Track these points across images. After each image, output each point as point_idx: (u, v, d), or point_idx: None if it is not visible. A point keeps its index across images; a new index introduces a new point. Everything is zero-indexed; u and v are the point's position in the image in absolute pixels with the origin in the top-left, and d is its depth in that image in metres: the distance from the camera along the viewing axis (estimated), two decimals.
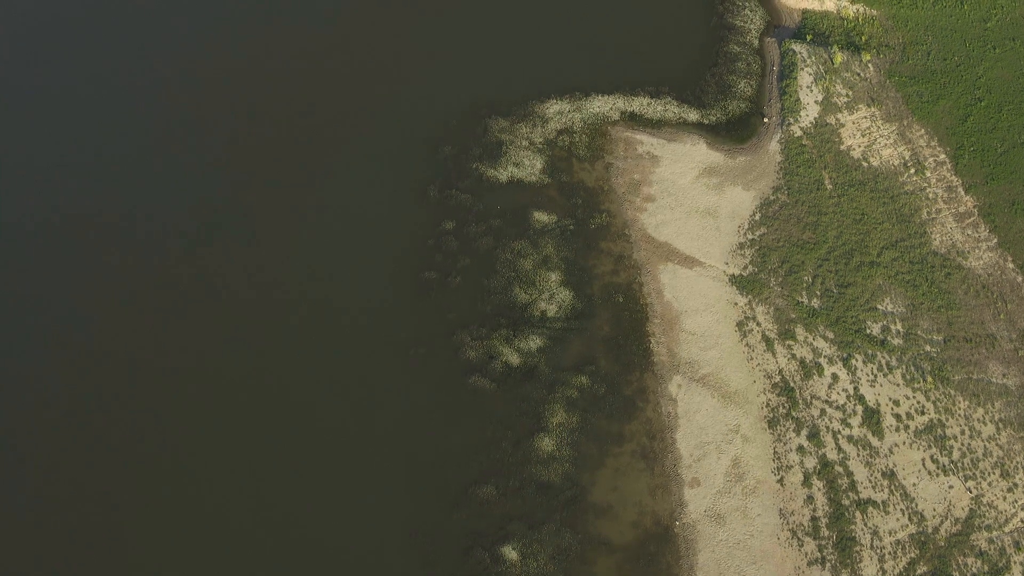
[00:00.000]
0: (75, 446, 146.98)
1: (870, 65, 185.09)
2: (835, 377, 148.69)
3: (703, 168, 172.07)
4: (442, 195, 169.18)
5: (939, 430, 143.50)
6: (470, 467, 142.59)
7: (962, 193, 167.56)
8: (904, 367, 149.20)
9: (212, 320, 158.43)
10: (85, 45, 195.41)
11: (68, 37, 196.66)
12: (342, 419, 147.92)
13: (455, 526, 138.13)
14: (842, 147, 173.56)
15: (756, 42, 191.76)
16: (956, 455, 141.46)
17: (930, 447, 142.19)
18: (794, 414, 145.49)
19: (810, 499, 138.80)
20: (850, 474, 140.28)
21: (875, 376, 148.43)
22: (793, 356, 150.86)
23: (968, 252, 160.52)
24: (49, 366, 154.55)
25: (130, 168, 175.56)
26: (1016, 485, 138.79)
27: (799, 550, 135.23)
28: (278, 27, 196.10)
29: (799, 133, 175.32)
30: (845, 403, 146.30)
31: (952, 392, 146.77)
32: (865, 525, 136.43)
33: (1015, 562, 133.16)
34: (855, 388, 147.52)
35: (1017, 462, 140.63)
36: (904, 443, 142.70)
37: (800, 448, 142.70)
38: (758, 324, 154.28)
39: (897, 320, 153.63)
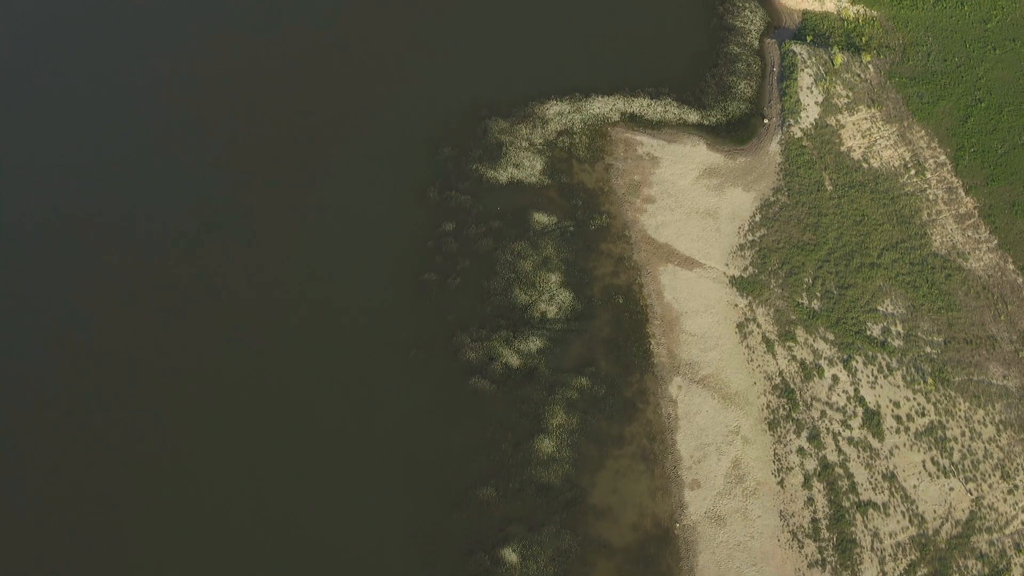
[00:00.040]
0: (75, 446, 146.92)
1: (870, 66, 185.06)
2: (835, 379, 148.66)
3: (703, 169, 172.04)
4: (442, 196, 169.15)
5: (939, 432, 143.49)
6: (470, 469, 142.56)
7: (962, 194, 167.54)
8: (904, 369, 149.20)
9: (212, 320, 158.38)
10: (85, 45, 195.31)
11: (68, 37, 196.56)
12: (342, 419, 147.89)
13: (455, 528, 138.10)
14: (842, 148, 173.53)
15: (756, 43, 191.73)
16: (957, 457, 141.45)
17: (931, 449, 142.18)
18: (794, 416, 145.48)
19: (810, 501, 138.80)
20: (850, 476, 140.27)
21: (875, 378, 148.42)
22: (793, 358, 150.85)
23: (968, 253, 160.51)
24: (49, 366, 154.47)
25: (130, 168, 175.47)
26: (1017, 487, 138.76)
27: (799, 552, 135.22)
28: (278, 27, 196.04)
29: (799, 134, 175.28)
30: (845, 405, 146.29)
31: (953, 394, 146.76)
32: (865, 527, 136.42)
33: (1016, 564, 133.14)
34: (855, 390, 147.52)
35: (1018, 464, 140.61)
36: (904, 445, 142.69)
37: (800, 450, 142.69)
38: (758, 325, 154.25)
39: (897, 321, 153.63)
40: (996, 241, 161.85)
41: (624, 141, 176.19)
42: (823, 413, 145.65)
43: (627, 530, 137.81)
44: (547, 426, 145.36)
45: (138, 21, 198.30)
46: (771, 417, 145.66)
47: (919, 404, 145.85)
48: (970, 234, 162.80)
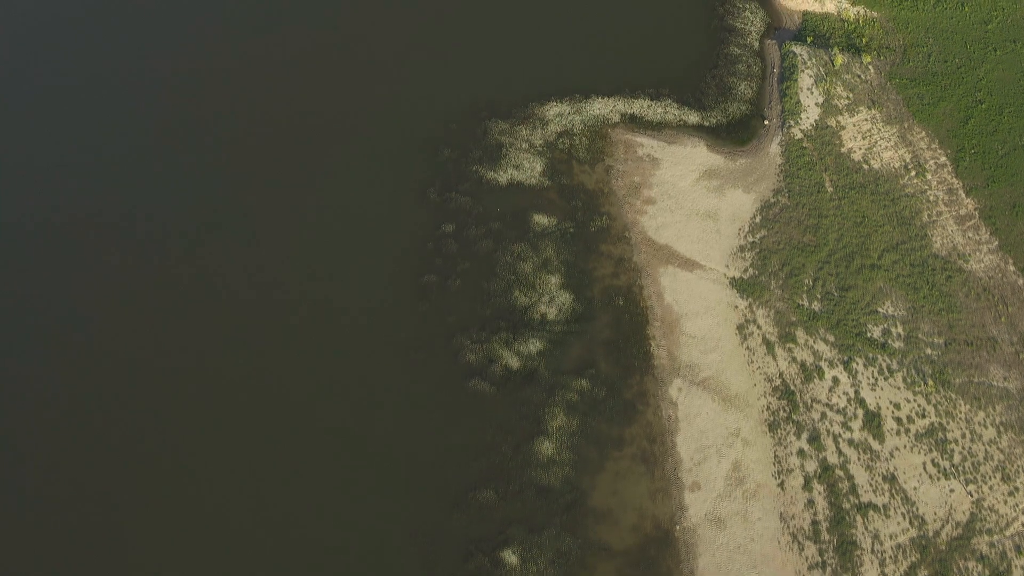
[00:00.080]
0: (75, 446, 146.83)
1: (871, 67, 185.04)
2: (836, 380, 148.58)
3: (703, 171, 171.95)
4: (442, 197, 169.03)
5: (940, 434, 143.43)
6: (470, 470, 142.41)
7: (963, 196, 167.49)
8: (905, 370, 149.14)
9: (212, 320, 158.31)
10: (85, 45, 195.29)
11: (68, 37, 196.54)
12: (342, 420, 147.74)
13: (455, 529, 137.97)
14: (843, 149, 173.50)
15: (756, 44, 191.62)
16: (957, 459, 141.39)
17: (931, 451, 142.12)
18: (795, 417, 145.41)
19: (811, 503, 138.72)
20: (851, 478, 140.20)
21: (876, 379, 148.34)
22: (794, 359, 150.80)
23: (969, 255, 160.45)
24: (49, 366, 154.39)
25: (130, 168, 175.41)
26: (1017, 489, 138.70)
27: (800, 554, 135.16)
28: (278, 27, 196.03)
29: (800, 135, 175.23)
30: (846, 406, 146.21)
31: (953, 395, 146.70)
32: (866, 529, 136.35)
33: (1016, 566, 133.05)
34: (856, 391, 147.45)
35: (1018, 466, 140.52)
36: (905, 447, 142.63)
37: (801, 452, 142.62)
38: (759, 327, 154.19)
39: (898, 323, 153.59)
40: (997, 243, 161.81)
41: (624, 142, 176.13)
42: (823, 415, 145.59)
43: (627, 532, 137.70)
44: (547, 428, 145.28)
45: (138, 21, 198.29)
46: (771, 419, 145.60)
47: (919, 406, 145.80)
48: (971, 235, 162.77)
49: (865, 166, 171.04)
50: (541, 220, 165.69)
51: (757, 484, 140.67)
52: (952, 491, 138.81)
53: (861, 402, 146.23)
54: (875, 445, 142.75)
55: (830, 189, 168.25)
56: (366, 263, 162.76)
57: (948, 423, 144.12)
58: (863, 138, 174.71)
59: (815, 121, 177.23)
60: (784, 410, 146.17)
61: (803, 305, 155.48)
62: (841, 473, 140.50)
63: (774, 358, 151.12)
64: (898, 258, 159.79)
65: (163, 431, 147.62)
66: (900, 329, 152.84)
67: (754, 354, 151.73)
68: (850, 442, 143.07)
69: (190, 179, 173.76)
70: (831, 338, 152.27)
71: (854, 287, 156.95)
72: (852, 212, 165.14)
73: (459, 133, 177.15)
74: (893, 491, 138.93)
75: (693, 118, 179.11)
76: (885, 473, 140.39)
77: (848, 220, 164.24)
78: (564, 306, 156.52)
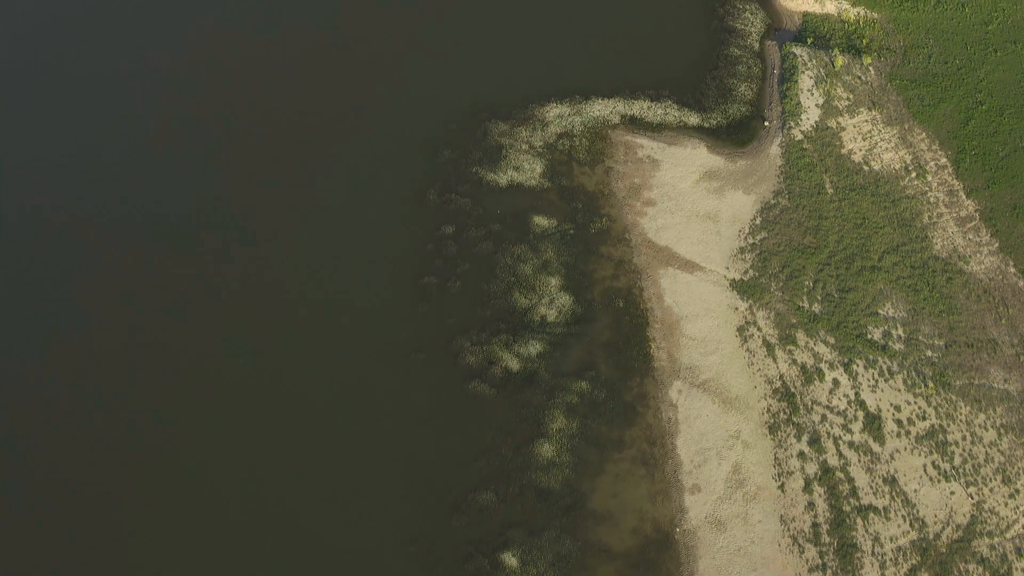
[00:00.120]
0: (75, 446, 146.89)
1: (871, 68, 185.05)
2: (836, 382, 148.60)
3: (704, 172, 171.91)
4: (442, 199, 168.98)
5: (940, 436, 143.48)
6: (470, 473, 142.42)
7: (963, 197, 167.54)
8: (905, 372, 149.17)
9: (212, 320, 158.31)
10: (85, 45, 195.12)
11: (68, 37, 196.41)
12: (342, 421, 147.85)
13: (455, 531, 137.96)
14: (843, 151, 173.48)
15: (757, 45, 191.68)
16: (957, 461, 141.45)
17: (931, 453, 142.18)
18: (795, 420, 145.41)
19: (811, 505, 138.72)
20: (851, 480, 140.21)
21: (876, 381, 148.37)
22: (794, 361, 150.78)
23: (969, 256, 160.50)
24: (49, 366, 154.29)
25: (130, 168, 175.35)
26: (1018, 491, 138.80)
27: (800, 556, 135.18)
28: (278, 27, 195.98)
29: (800, 137, 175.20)
30: (846, 408, 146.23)
31: (953, 397, 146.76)
32: (866, 531, 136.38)
33: (1017, 568, 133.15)
34: (856, 393, 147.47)
35: (1019, 468, 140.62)
36: (905, 449, 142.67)
37: (801, 454, 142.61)
38: (759, 329, 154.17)
39: (898, 325, 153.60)
40: (997, 244, 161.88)
41: (624, 144, 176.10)
42: (824, 417, 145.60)
43: (627, 535, 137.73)
44: (547, 430, 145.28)
45: (138, 21, 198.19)
46: (772, 421, 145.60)
47: (920, 408, 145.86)
48: (971, 237, 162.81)
49: (865, 167, 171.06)
50: (541, 222, 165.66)
51: (757, 486, 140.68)
52: (953, 493, 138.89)
53: (861, 404, 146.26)
54: (875, 447, 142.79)
55: (830, 191, 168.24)
56: (366, 264, 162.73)
57: (949, 425, 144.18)
58: (863, 139, 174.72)
59: (815, 122, 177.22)
60: (784, 412, 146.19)
61: (803, 307, 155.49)
62: (841, 475, 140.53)
63: (774, 360, 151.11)
64: (898, 260, 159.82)
65: (163, 431, 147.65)
66: (900, 331, 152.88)
67: (754, 356, 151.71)
68: (850, 444, 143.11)
69: (190, 179, 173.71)
70: (831, 340, 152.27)
71: (854, 289, 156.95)
72: (852, 214, 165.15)
73: (459, 134, 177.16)
74: (894, 493, 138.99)
75: (693, 119, 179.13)
76: (886, 475, 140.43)
77: (848, 222, 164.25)
78: (564, 308, 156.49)
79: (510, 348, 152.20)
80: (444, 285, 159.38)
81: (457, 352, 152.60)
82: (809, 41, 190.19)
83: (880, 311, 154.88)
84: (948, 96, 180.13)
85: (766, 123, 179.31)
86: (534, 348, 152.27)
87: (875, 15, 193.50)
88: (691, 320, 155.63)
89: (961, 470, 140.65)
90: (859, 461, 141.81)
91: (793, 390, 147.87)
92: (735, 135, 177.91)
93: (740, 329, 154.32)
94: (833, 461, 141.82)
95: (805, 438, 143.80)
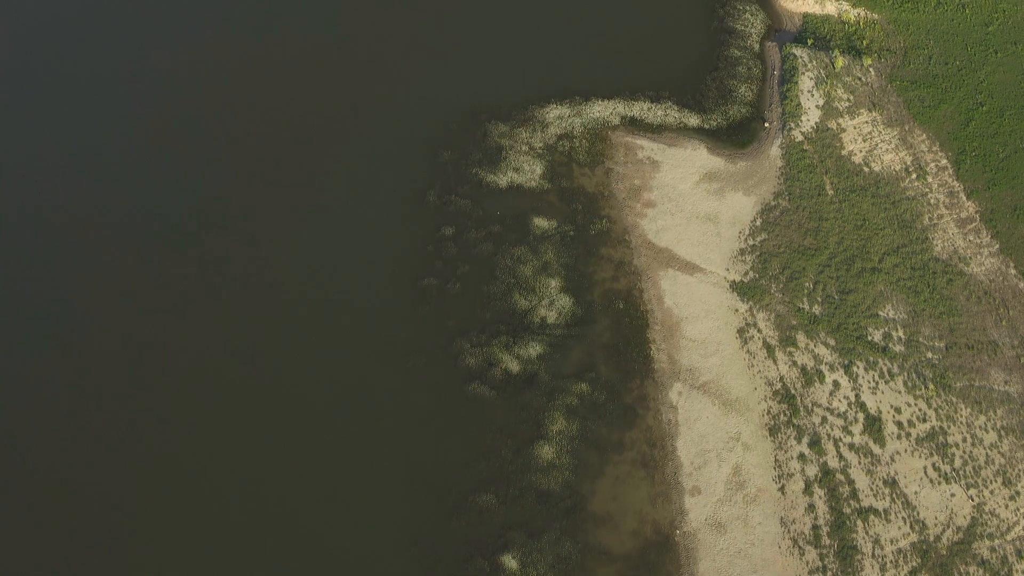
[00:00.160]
0: (75, 446, 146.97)
1: (871, 69, 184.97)
2: (836, 384, 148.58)
3: (704, 173, 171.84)
4: (441, 200, 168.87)
5: (941, 438, 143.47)
6: (470, 474, 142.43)
7: (964, 199, 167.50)
8: (906, 374, 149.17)
9: (212, 320, 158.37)
10: (85, 45, 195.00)
11: (68, 37, 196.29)
12: (342, 422, 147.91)
13: (454, 533, 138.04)
14: (843, 152, 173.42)
15: (757, 46, 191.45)
16: (958, 463, 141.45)
17: (932, 455, 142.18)
18: (795, 422, 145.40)
19: (811, 507, 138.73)
20: (851, 482, 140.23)
21: (876, 383, 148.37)
22: (794, 363, 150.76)
23: (970, 258, 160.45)
24: (49, 366, 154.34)
25: (130, 168, 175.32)
26: (1018, 493, 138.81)
27: (800, 559, 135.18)
28: (278, 27, 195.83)
29: (800, 138, 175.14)
30: (846, 410, 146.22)
31: (954, 399, 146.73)
32: (867, 533, 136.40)
33: (1017, 570, 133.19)
34: (856, 395, 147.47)
35: (1019, 470, 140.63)
36: (906, 451, 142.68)
37: (801, 456, 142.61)
38: (759, 331, 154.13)
39: (899, 327, 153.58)
40: (997, 246, 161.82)
41: (624, 145, 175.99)
42: (824, 419, 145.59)
43: (627, 537, 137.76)
44: (547, 432, 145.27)
45: (138, 21, 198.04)
46: (772, 423, 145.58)
47: (920, 410, 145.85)
48: (971, 239, 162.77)
49: (866, 169, 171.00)
50: (541, 223, 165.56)
51: (758, 488, 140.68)
52: (953, 495, 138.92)
53: (862, 406, 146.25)
54: (876, 449, 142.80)
55: (831, 192, 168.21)
56: (366, 265, 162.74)
57: (949, 427, 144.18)
58: (864, 140, 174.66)
59: (816, 123, 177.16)
60: (785, 414, 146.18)
61: (804, 309, 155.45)
62: (842, 477, 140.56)
63: (775, 362, 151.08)
64: (899, 261, 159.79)
65: (163, 431, 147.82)
66: (901, 333, 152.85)
67: (755, 358, 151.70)
68: (851, 446, 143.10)
69: (190, 179, 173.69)
70: (832, 342, 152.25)
71: (855, 290, 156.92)
72: (853, 215, 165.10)
73: (459, 135, 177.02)
74: (894, 495, 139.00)
75: (693, 121, 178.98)
76: (886, 477, 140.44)
77: (849, 223, 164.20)
78: (564, 309, 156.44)
79: (510, 350, 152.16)
80: (444, 286, 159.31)
81: (457, 354, 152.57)
82: (809, 42, 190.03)
83: (880, 313, 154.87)
84: (948, 97, 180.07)
85: (766, 124, 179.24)
86: (534, 350, 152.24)
87: (875, 16, 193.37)
88: (691, 322, 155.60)
89: (961, 472, 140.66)
90: (859, 463, 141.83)
91: (793, 392, 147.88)
92: (735, 136, 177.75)
93: (740, 331, 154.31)
94: (833, 463, 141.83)
95: (805, 440, 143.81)
